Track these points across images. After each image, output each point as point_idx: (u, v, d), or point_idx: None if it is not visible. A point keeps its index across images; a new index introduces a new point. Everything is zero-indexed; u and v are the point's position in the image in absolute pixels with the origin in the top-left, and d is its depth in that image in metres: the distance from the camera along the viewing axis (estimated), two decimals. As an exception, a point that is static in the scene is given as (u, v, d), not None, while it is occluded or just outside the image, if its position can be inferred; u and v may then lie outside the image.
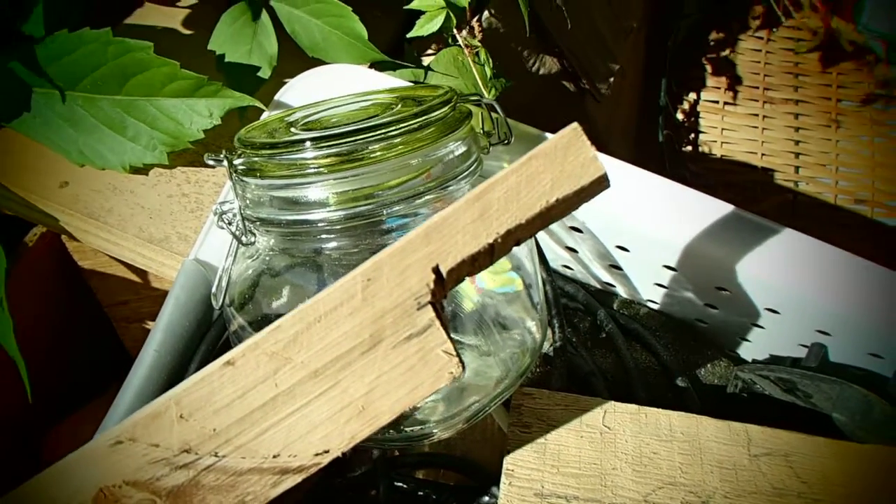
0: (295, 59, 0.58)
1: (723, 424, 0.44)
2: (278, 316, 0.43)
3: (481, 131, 0.47)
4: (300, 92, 0.51)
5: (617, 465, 0.42)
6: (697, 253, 0.49)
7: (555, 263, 0.60)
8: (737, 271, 0.48)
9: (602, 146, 0.52)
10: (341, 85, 0.50)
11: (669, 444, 0.43)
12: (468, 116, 0.43)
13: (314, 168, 0.38)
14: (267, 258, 0.43)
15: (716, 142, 1.03)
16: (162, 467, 0.32)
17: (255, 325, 0.43)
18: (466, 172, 0.42)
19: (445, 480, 0.52)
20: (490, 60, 0.55)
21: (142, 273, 0.65)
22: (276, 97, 0.51)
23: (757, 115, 1.03)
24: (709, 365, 0.57)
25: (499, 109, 0.46)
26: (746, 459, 0.43)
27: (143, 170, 0.55)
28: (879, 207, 1.00)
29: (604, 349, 0.57)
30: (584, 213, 0.51)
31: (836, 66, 1.01)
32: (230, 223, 0.42)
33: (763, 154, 1.03)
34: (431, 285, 0.32)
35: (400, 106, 0.44)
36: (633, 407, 0.44)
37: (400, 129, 0.39)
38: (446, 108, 0.41)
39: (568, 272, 0.61)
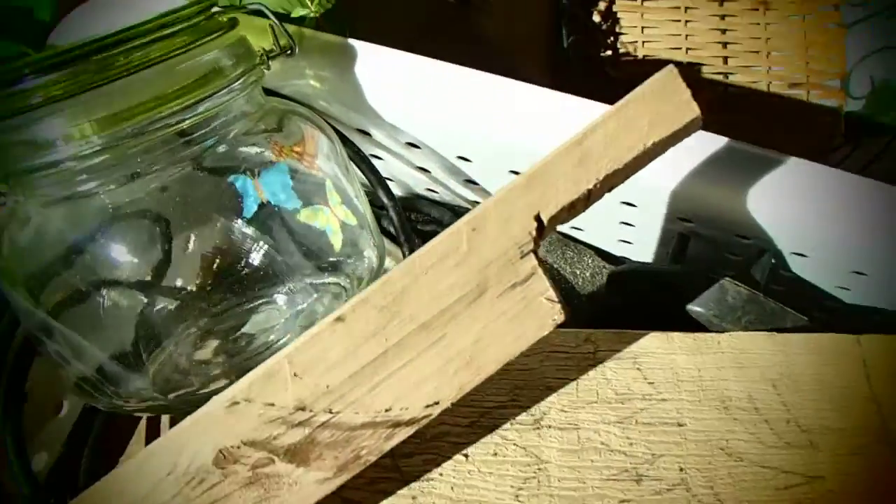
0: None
1: (569, 333, 0.41)
2: (79, 290, 0.39)
3: (275, 46, 0.43)
4: (77, 28, 0.46)
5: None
6: (541, 154, 0.44)
7: (418, 188, 0.56)
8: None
9: (494, 61, 0.48)
10: (125, 15, 0.46)
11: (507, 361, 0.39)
12: (231, 24, 0.39)
13: (40, 97, 0.34)
14: (40, 218, 0.38)
15: (636, 42, 0.98)
16: (278, 426, 0.33)
17: (57, 307, 0.39)
18: (238, 82, 0.38)
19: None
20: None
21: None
22: (50, 39, 0.46)
23: (679, 7, 0.97)
24: (587, 274, 0.53)
25: (271, 17, 0.41)
26: (591, 369, 0.39)
27: None
28: (816, 89, 0.95)
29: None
30: (418, 127, 0.46)
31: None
32: None
33: (689, 48, 0.97)
34: (534, 233, 0.33)
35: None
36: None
37: (135, 38, 0.35)
38: (194, 12, 0.37)
39: (434, 195, 0.56)
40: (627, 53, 0.95)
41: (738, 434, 0.35)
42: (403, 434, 0.33)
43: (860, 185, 0.42)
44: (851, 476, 0.33)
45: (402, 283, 0.32)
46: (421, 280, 0.32)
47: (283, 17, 0.45)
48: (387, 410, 0.33)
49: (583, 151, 0.33)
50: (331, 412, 0.33)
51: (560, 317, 0.33)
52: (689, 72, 0.94)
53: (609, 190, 0.34)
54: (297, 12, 0.49)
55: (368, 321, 0.32)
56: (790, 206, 0.42)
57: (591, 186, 0.33)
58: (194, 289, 0.39)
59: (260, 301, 0.42)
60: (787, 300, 0.42)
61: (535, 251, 0.33)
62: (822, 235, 0.41)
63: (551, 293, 0.33)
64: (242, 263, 0.40)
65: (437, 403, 0.33)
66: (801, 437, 0.35)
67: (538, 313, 0.33)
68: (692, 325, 0.43)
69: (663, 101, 0.33)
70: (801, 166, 0.42)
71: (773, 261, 0.44)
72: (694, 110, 0.33)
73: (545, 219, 0.33)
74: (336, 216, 0.43)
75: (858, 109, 0.90)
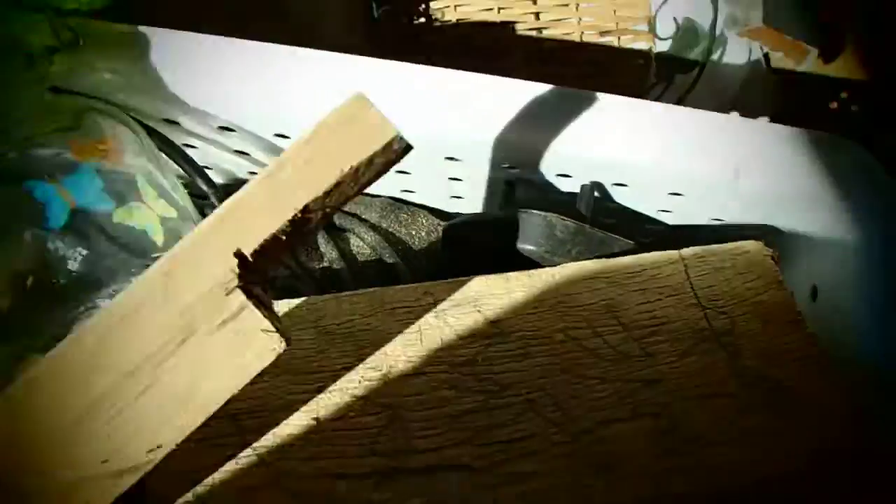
0: None
1: (408, 289, 0.41)
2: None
3: (55, 41, 0.40)
4: None
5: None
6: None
7: (241, 173, 0.54)
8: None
9: (310, 41, 0.47)
10: None
11: (350, 324, 0.39)
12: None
13: None
14: None
15: (449, 6, 0.98)
16: None
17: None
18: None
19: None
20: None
21: None
22: None
23: (487, -31, 0.98)
24: (423, 233, 0.53)
25: (46, 11, 0.39)
26: (433, 318, 0.39)
27: None
28: (625, 35, 0.99)
29: (312, 249, 0.52)
30: (227, 110, 0.45)
31: None
32: None
33: (500, 8, 0.99)
34: (236, 269, 0.32)
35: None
36: (303, 300, 0.40)
37: None
38: None
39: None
40: (440, 19, 0.96)
41: (580, 356, 0.37)
42: (132, 479, 0.32)
43: (666, 112, 0.44)
44: (685, 375, 0.35)
45: (96, 335, 0.31)
46: (117, 330, 0.31)
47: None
48: (104, 462, 0.31)
49: (275, 184, 0.32)
50: (42, 474, 0.31)
51: (281, 345, 0.32)
52: (504, 30, 0.96)
53: (327, 213, 0.34)
54: (68, 4, 0.46)
55: (64, 379, 0.31)
56: (604, 139, 0.43)
57: (291, 216, 0.32)
58: (5, 311, 0.38)
59: (82, 309, 0.40)
60: (617, 231, 0.44)
61: (243, 286, 0.32)
62: (635, 163, 0.43)
63: (267, 324, 0.32)
64: (59, 276, 0.38)
65: (159, 447, 0.32)
66: (636, 347, 0.36)
67: (256, 345, 0.32)
68: (528, 263, 0.44)
69: (354, 126, 0.33)
70: (609, 101, 0.44)
71: (595, 194, 0.45)
72: (390, 131, 0.33)
73: (248, 253, 0.32)
74: (154, 211, 0.41)
75: (667, 50, 0.95)
